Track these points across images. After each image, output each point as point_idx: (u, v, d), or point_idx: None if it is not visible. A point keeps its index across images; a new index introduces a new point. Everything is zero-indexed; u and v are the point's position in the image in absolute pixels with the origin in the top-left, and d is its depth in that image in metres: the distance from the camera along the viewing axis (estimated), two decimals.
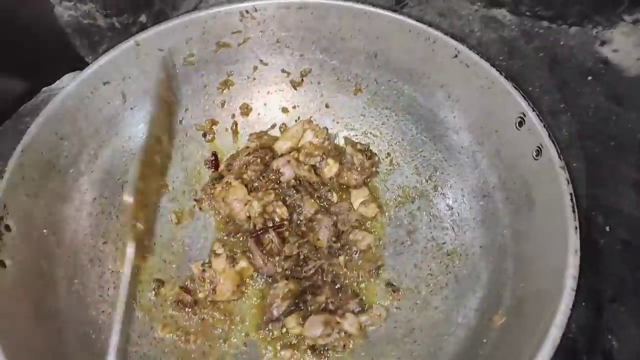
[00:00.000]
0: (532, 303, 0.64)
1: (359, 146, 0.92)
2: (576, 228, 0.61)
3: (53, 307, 0.69)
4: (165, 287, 0.82)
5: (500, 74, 0.75)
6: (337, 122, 0.95)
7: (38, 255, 0.70)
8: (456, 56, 0.79)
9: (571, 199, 0.63)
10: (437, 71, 0.83)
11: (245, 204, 0.86)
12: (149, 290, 0.81)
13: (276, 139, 0.94)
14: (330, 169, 0.90)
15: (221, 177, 0.90)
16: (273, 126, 0.95)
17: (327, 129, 0.94)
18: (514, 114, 0.74)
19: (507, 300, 0.69)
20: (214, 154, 0.93)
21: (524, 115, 0.72)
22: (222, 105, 0.93)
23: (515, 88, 0.73)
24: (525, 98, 0.73)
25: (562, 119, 0.86)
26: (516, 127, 0.73)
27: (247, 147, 0.93)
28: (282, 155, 0.91)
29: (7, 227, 0.66)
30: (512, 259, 0.72)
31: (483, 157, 0.81)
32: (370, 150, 0.92)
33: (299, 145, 0.92)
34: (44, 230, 0.72)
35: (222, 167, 0.92)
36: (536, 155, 0.70)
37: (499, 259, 0.74)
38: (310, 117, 0.95)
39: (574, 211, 0.62)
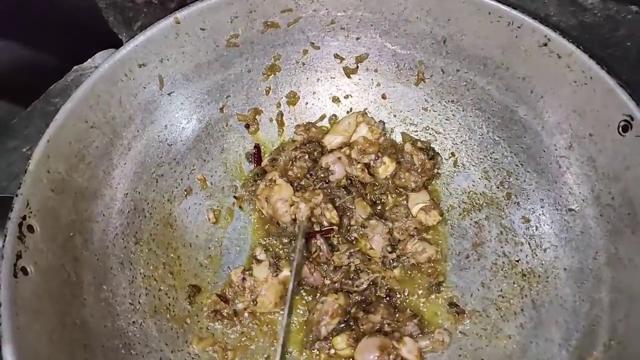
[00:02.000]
0: None
1: (419, 144, 0.82)
2: None
3: (79, 318, 0.62)
4: (201, 294, 0.74)
5: (602, 67, 0.63)
6: (395, 116, 0.85)
7: (64, 259, 0.63)
8: (545, 44, 0.68)
9: None
10: (520, 61, 0.72)
11: (291, 205, 0.77)
12: (183, 298, 0.73)
13: (326, 132, 0.85)
14: (386, 168, 0.81)
15: (264, 172, 0.82)
16: (322, 117, 0.86)
17: (383, 123, 0.84)
18: (617, 116, 0.62)
19: (603, 339, 0.58)
20: (257, 147, 0.84)
21: (631, 119, 0.60)
22: (267, 92, 0.84)
23: (621, 85, 0.62)
24: (633, 98, 0.61)
25: None
26: (619, 132, 0.62)
27: (294, 141, 0.84)
28: (332, 151, 0.83)
29: (31, 228, 0.59)
30: (608, 288, 0.62)
31: (571, 165, 0.70)
32: (432, 149, 0.82)
33: (351, 141, 0.83)
34: (71, 231, 0.65)
35: (265, 161, 0.83)
36: None
37: (591, 287, 0.64)
38: (365, 109, 0.85)
39: None
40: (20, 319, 0.53)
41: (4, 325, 0.51)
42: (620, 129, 0.62)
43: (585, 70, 0.65)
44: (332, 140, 0.83)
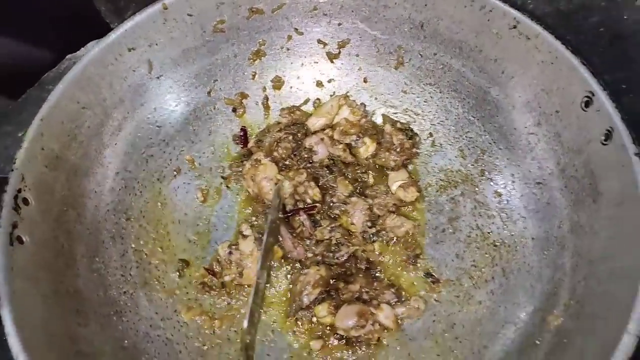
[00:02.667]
0: (596, 306, 0.57)
1: (398, 125, 0.86)
2: None
3: (72, 287, 0.66)
4: (189, 268, 0.78)
5: (567, 47, 0.67)
6: (376, 99, 0.88)
7: (57, 231, 0.66)
8: (515, 27, 0.71)
9: None
10: (491, 44, 0.75)
11: (276, 183, 0.80)
12: (172, 271, 0.77)
13: (309, 114, 0.88)
14: (367, 148, 0.84)
15: (250, 153, 0.85)
16: (306, 101, 0.89)
17: (364, 106, 0.88)
18: (580, 93, 0.66)
19: (564, 300, 0.62)
20: (243, 129, 0.87)
21: (592, 95, 0.64)
22: (253, 77, 0.87)
23: (584, 64, 0.66)
24: (594, 75, 0.65)
25: (624, 100, 0.78)
26: (582, 107, 0.66)
27: (279, 123, 0.87)
28: (315, 132, 0.86)
29: (26, 201, 0.62)
30: (570, 254, 0.65)
31: (539, 140, 0.73)
32: (411, 130, 0.85)
33: (334, 122, 0.86)
34: (64, 206, 0.68)
35: (251, 143, 0.87)
36: (605, 140, 0.62)
37: (555, 254, 0.67)
38: (347, 92, 0.89)
39: None
40: (16, 283, 0.57)
41: (1, 288, 0.55)
42: (583, 104, 0.66)
43: (552, 51, 0.69)
44: (315, 122, 0.86)
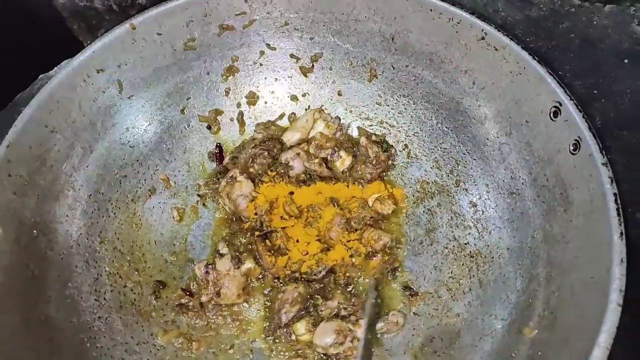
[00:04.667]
0: (568, 317, 0.57)
1: (374, 137, 0.86)
2: (622, 234, 0.54)
3: (44, 315, 0.64)
4: (166, 289, 0.77)
5: (534, 58, 0.68)
6: (350, 111, 0.88)
7: (28, 258, 0.65)
8: (483, 38, 0.72)
9: (615, 201, 0.56)
10: (461, 55, 0.75)
11: (252, 200, 0.80)
12: (148, 294, 0.76)
13: (285, 129, 0.88)
14: (342, 162, 0.84)
15: (226, 170, 0.84)
16: (281, 116, 0.89)
17: (339, 119, 0.87)
18: (548, 103, 0.66)
19: (538, 311, 0.62)
20: (219, 146, 0.87)
21: (560, 105, 0.65)
22: (227, 93, 0.87)
23: (551, 74, 0.66)
24: (561, 85, 0.65)
25: (595, 106, 0.79)
26: (550, 117, 0.66)
27: (254, 139, 0.87)
28: (291, 147, 0.85)
29: None
30: (544, 264, 0.66)
31: (511, 150, 0.74)
32: (386, 142, 0.85)
33: (309, 137, 0.86)
34: (34, 232, 0.67)
35: (226, 159, 0.86)
36: (574, 150, 0.63)
37: (529, 264, 0.68)
38: (322, 106, 0.89)
39: (618, 215, 0.55)
40: None
41: None
42: (552, 114, 0.66)
43: (520, 61, 0.69)
44: (290, 137, 0.86)
